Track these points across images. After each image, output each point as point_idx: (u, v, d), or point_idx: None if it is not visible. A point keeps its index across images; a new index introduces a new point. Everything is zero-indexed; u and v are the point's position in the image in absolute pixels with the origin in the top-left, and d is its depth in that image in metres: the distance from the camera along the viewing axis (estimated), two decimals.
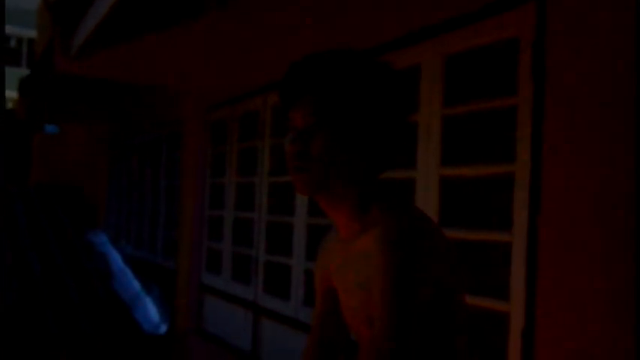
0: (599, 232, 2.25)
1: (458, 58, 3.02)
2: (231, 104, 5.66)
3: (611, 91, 2.24)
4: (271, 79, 4.64)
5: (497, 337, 2.69)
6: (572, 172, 2.37)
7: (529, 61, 2.56)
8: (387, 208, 1.23)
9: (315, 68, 1.26)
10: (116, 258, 10.04)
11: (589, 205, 2.29)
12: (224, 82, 5.80)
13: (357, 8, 3.73)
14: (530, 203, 2.52)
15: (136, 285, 8.74)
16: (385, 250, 1.15)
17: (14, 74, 20.57)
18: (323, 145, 1.23)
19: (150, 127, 8.55)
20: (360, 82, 1.25)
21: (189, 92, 6.55)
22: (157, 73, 6.36)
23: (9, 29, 23.78)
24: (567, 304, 2.36)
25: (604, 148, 2.26)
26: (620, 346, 2.16)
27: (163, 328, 7.16)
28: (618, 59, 2.22)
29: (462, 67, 3.01)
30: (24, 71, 19.91)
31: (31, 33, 21.42)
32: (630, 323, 2.11)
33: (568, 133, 2.39)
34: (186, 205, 6.58)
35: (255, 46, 5.01)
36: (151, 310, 7.88)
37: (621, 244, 2.17)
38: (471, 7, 2.86)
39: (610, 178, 2.23)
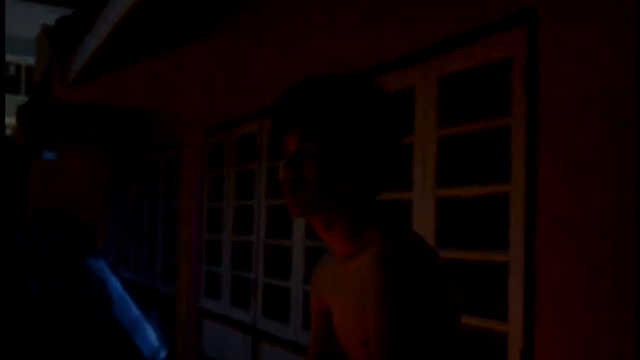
0: (597, 251, 2.25)
1: (451, 80, 3.04)
2: (228, 128, 5.69)
3: (606, 109, 2.26)
4: (267, 104, 4.66)
5: (496, 358, 2.68)
6: (567, 191, 2.38)
7: (522, 81, 2.58)
8: (383, 230, 1.24)
9: (306, 93, 1.27)
10: (115, 283, 10.00)
11: (585, 223, 2.30)
12: (221, 106, 5.83)
13: (351, 32, 3.77)
14: (525, 222, 2.52)
15: (135, 310, 8.70)
16: (380, 272, 1.15)
17: (13, 101, 20.66)
18: (315, 169, 1.24)
19: (148, 152, 8.58)
20: (350, 107, 1.26)
21: (187, 117, 6.57)
22: (154, 98, 6.40)
23: (8, 57, 23.91)
24: (566, 324, 2.36)
25: (599, 166, 2.27)
26: None
27: (163, 354, 7.12)
28: (612, 78, 2.24)
29: (456, 89, 3.03)
30: (23, 98, 19.98)
31: (30, 60, 21.53)
32: (630, 343, 2.11)
33: (562, 152, 2.41)
34: (183, 230, 6.57)
35: (251, 71, 5.04)
36: (150, 336, 7.84)
37: (619, 262, 2.17)
38: (464, 29, 2.89)
39: (606, 196, 2.24)
